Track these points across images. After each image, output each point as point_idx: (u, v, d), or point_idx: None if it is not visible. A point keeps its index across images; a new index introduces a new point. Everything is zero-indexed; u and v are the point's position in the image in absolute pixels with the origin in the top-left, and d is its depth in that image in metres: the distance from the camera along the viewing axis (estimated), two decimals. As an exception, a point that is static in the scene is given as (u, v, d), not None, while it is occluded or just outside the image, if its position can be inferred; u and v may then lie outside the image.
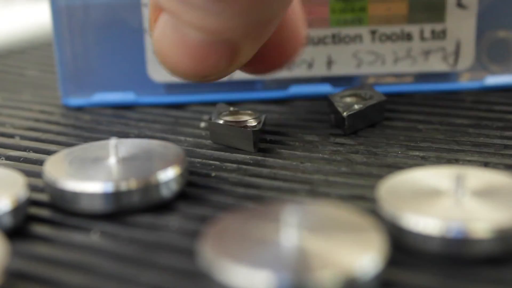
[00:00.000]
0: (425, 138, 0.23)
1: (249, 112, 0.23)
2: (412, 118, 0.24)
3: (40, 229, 0.18)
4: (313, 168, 0.21)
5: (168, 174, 0.19)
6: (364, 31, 0.26)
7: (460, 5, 0.25)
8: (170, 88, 0.26)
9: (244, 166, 0.21)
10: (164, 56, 0.20)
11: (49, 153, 0.22)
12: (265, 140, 0.23)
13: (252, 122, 0.22)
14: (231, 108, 0.23)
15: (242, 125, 0.22)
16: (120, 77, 0.26)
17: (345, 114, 0.23)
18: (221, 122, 0.23)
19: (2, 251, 0.16)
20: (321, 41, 0.26)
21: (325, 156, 0.22)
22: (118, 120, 0.25)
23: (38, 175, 0.21)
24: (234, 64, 0.20)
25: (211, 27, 0.19)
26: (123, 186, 0.18)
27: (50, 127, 0.25)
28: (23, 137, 0.24)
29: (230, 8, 0.18)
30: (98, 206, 0.19)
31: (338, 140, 0.23)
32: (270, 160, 0.22)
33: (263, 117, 0.23)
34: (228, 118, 0.23)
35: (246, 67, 0.22)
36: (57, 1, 0.25)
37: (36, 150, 0.23)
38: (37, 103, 0.27)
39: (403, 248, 0.17)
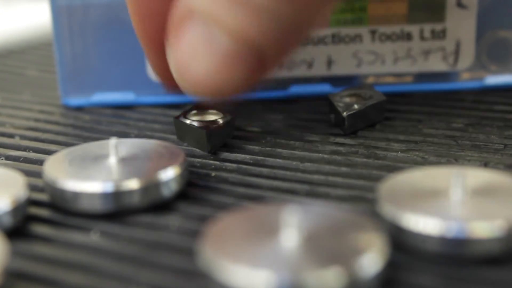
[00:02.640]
0: (425, 138, 0.23)
1: (216, 112, 0.23)
2: (412, 118, 0.24)
3: (40, 229, 0.18)
4: (313, 168, 0.21)
5: (168, 174, 0.19)
6: (364, 31, 0.26)
7: (460, 5, 0.25)
8: (170, 88, 0.26)
9: (244, 166, 0.21)
10: (188, 67, 0.19)
11: (49, 153, 0.22)
12: (265, 140, 0.23)
13: (214, 123, 0.22)
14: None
15: (202, 125, 0.22)
16: (120, 77, 0.26)
17: (345, 114, 0.23)
18: (184, 120, 0.22)
19: (2, 251, 0.16)
20: (321, 41, 0.26)
21: (325, 156, 0.22)
22: (118, 120, 0.25)
23: (38, 175, 0.21)
24: (257, 76, 0.20)
25: (244, 30, 0.18)
26: (123, 186, 0.18)
27: (50, 127, 0.25)
28: (23, 137, 0.24)
29: (269, 6, 0.18)
30: (98, 206, 0.19)
31: (338, 140, 0.23)
32: (270, 160, 0.22)
33: (229, 119, 0.22)
34: (194, 118, 0.23)
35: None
36: (57, 1, 0.25)
37: (36, 150, 0.23)
38: (37, 103, 0.27)
39: (403, 248, 0.17)
